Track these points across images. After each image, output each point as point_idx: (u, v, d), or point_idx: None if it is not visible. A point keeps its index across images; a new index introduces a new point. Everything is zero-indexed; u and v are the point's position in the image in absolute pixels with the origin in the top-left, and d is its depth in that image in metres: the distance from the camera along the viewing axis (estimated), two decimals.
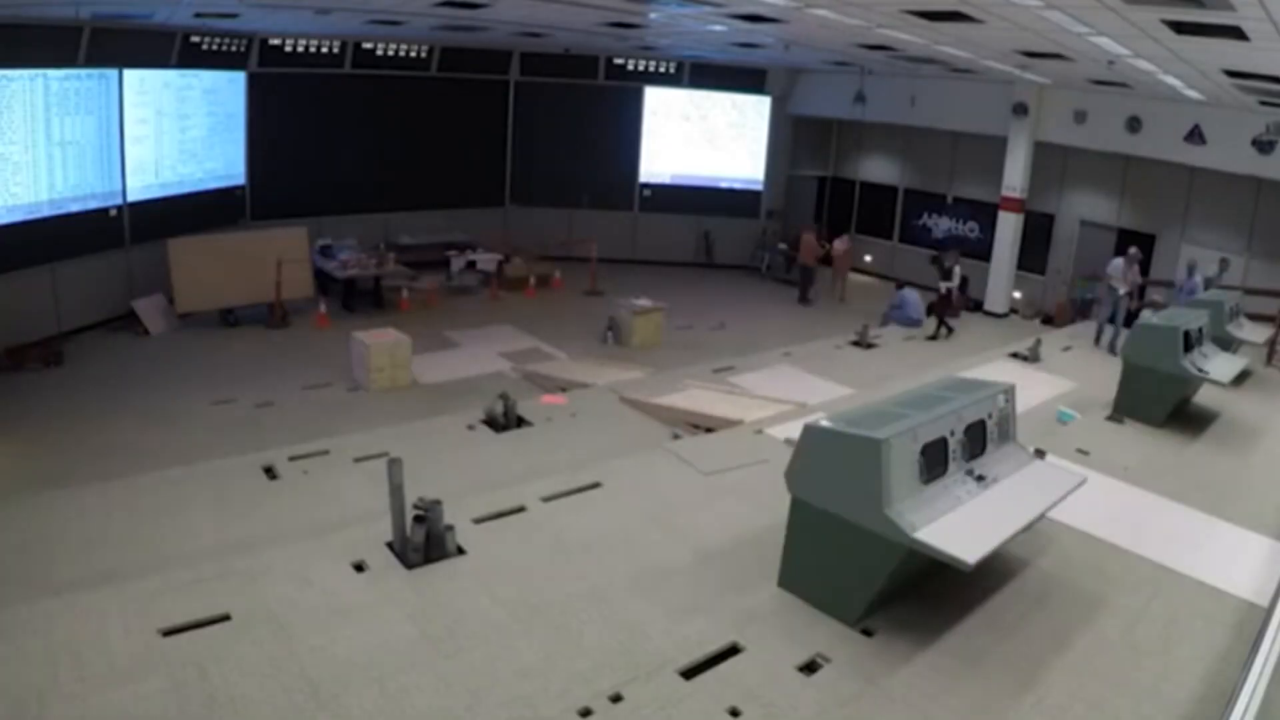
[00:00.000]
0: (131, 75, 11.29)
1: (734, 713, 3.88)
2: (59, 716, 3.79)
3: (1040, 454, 5.60)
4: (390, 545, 5.11)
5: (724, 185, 17.16)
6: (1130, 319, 10.53)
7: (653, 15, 9.85)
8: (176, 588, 4.77)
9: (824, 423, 4.83)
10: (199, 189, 12.91)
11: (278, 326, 12.02)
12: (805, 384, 9.50)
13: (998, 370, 9.26)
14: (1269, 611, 4.48)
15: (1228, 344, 9.29)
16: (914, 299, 12.52)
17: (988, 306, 14.45)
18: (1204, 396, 8.82)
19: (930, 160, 16.35)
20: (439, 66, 15.08)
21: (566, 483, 6.22)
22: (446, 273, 14.41)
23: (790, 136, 17.41)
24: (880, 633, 4.51)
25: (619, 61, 16.12)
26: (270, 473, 6.80)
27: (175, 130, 12.27)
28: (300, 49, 13.40)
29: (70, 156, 10.72)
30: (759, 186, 17.25)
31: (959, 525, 4.54)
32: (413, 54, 14.66)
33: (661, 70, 16.30)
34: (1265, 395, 9.52)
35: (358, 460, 6.98)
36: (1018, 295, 14.68)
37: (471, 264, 14.44)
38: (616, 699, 3.94)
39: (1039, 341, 10.48)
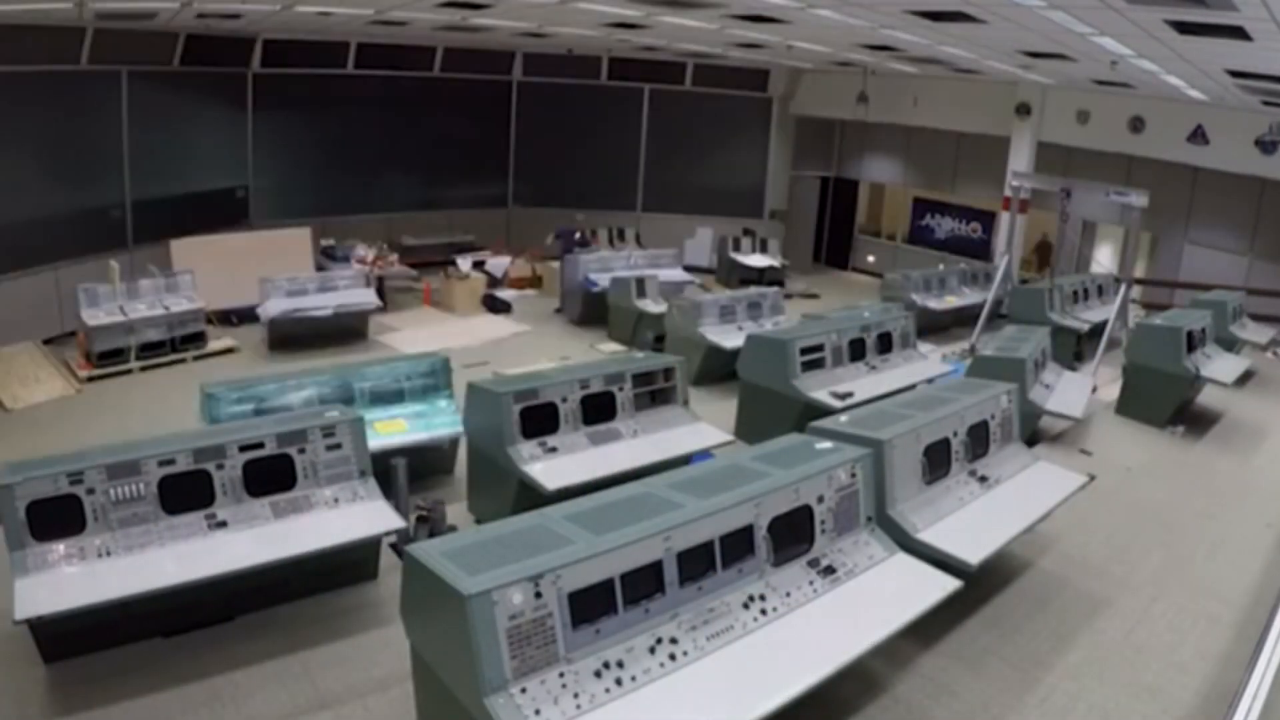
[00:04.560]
0: (134, 75, 11.31)
1: None
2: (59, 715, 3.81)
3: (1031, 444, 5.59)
4: (394, 546, 5.12)
5: (726, 185, 17.16)
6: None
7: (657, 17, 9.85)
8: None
9: (825, 425, 4.84)
10: (202, 189, 12.93)
11: None
12: None
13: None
14: (1272, 612, 4.47)
15: (1231, 344, 9.30)
16: None
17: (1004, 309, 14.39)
18: (1207, 397, 8.81)
19: (933, 160, 16.34)
20: (442, 67, 15.09)
21: None
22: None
23: (793, 137, 17.40)
24: None
25: (621, 61, 16.11)
26: None
27: (178, 130, 12.29)
28: (303, 49, 13.41)
29: (71, 157, 10.75)
30: (762, 186, 17.25)
31: (962, 526, 4.55)
32: (415, 54, 14.67)
33: (663, 70, 16.29)
34: (1268, 395, 9.51)
35: None
36: None
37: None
38: None
39: None
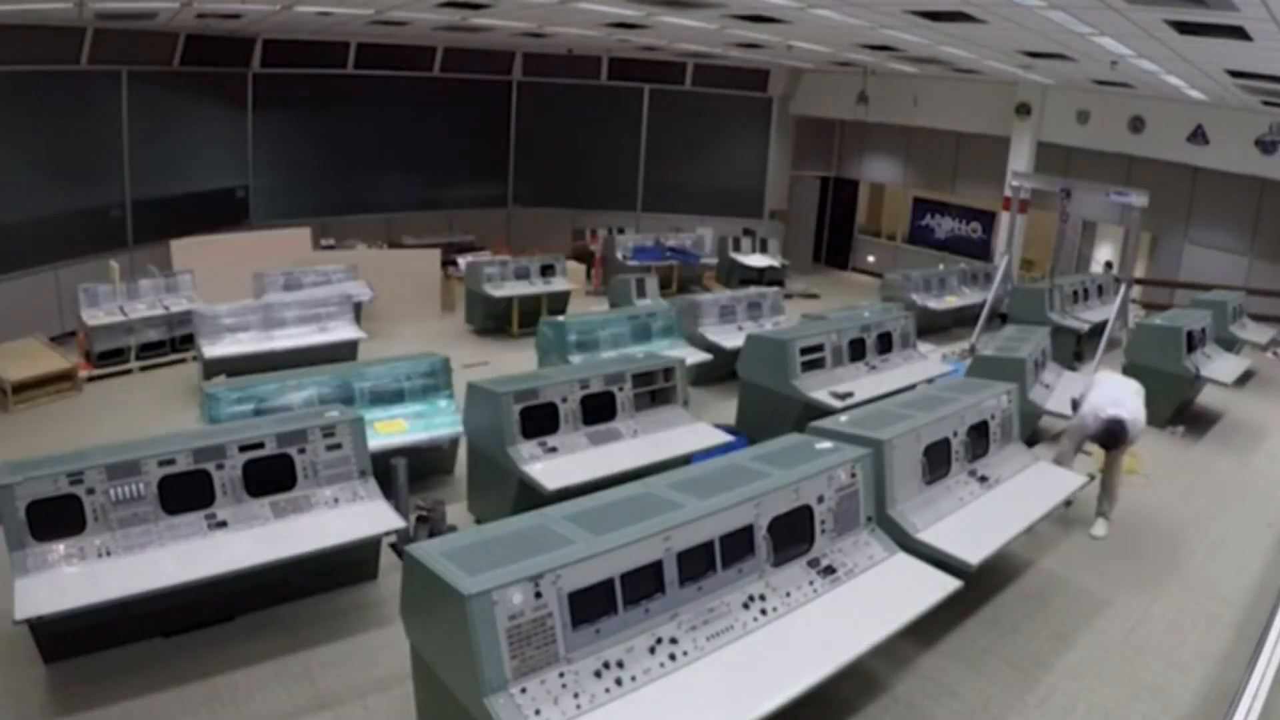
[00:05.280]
0: (134, 75, 11.31)
1: None
2: (59, 715, 3.81)
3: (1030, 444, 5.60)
4: (394, 546, 5.12)
5: (726, 185, 17.16)
6: None
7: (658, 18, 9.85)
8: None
9: (827, 424, 4.84)
10: (202, 189, 12.94)
11: None
12: None
13: None
14: (1272, 612, 4.47)
15: (1231, 344, 9.30)
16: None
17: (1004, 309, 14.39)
18: (1207, 397, 8.81)
19: (933, 160, 16.34)
20: (441, 67, 15.10)
21: None
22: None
23: (793, 137, 17.40)
24: None
25: (621, 61, 16.12)
26: None
27: (178, 130, 12.29)
28: (303, 49, 13.41)
29: (72, 157, 10.76)
30: (762, 186, 17.25)
31: (961, 526, 4.55)
32: (415, 54, 14.67)
33: (663, 70, 16.29)
34: (1268, 395, 9.51)
35: None
36: None
37: None
38: None
39: None
